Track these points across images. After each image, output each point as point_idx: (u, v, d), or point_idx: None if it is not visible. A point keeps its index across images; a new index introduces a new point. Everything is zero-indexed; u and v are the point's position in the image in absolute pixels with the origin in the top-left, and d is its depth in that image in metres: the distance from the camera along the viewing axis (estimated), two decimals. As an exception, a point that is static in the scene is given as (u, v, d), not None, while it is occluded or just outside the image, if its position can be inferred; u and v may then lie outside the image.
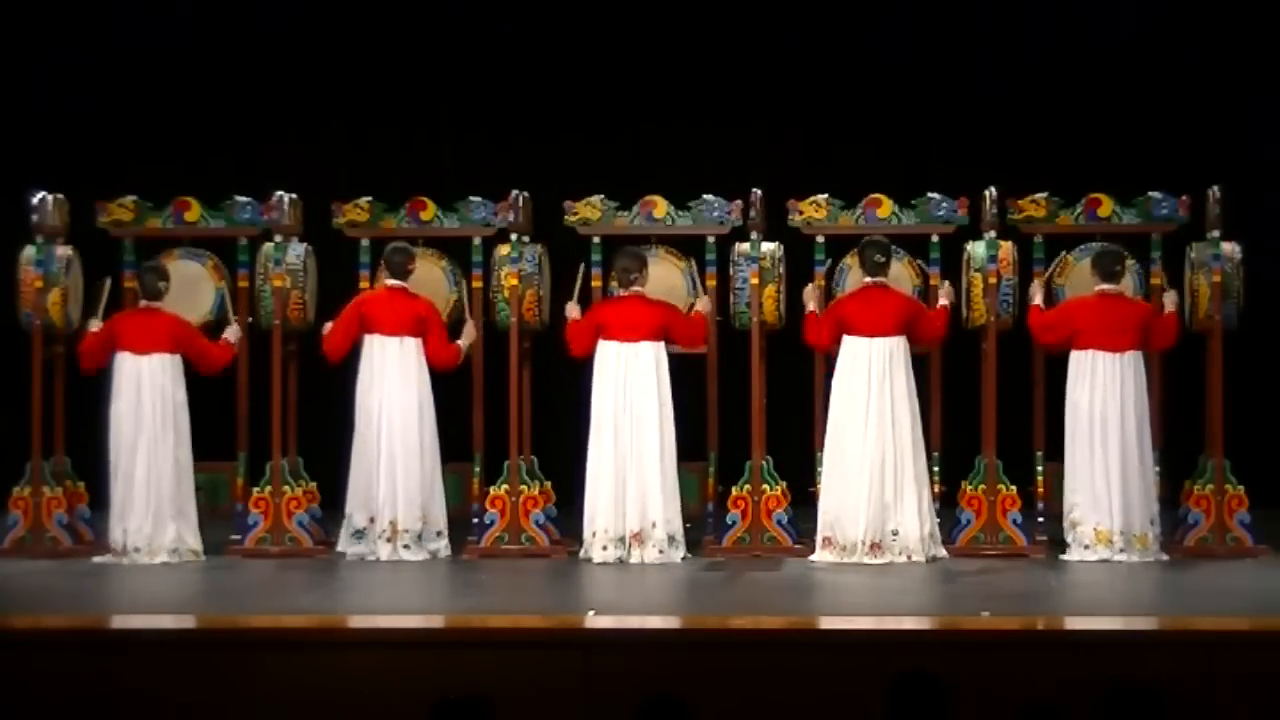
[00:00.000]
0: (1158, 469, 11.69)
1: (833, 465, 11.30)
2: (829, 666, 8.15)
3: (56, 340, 11.76)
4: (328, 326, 11.55)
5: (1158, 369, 11.76)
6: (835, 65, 13.48)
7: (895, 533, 11.19)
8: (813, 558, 11.22)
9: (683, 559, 11.25)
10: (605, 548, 11.19)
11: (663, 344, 11.38)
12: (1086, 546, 11.18)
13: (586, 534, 11.29)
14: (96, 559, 11.31)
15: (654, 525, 11.20)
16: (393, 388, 11.44)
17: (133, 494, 11.26)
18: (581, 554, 11.27)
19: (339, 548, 11.41)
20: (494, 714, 6.20)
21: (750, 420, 11.50)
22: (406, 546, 11.31)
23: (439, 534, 11.44)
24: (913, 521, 11.17)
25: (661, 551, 11.18)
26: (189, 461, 11.41)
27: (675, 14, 13.58)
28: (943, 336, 11.52)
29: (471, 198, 12.03)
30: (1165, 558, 11.19)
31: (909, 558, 11.14)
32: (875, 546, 11.18)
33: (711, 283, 11.87)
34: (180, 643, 8.69)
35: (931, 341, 11.52)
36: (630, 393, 11.31)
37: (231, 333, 11.61)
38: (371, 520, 11.37)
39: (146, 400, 11.31)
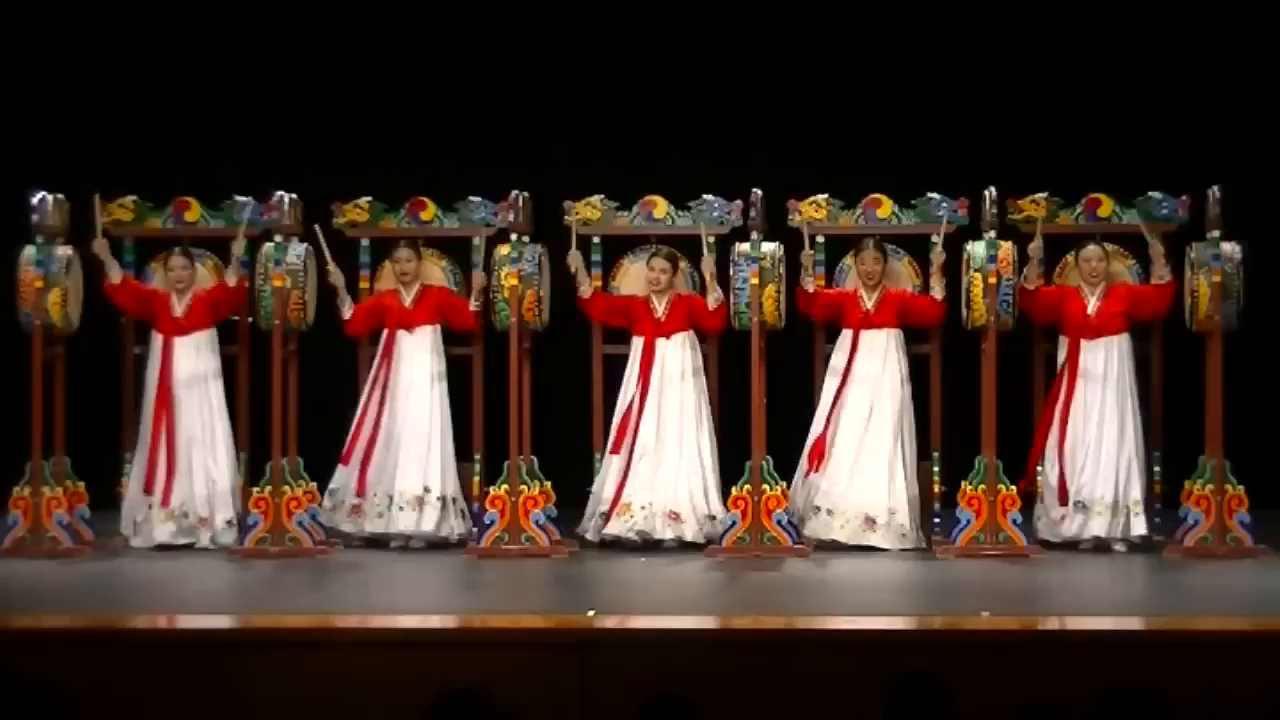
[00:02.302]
0: (1158, 469, 11.77)
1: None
2: (829, 666, 8.15)
3: (56, 340, 11.76)
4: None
5: (1158, 368, 11.79)
6: (835, 65, 13.47)
7: (893, 511, 11.52)
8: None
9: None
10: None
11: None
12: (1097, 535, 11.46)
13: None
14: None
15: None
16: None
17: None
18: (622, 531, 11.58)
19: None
20: (493, 710, 6.20)
21: (750, 420, 11.49)
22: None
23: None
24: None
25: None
26: None
27: (677, 14, 13.58)
28: (940, 317, 11.67)
29: (471, 198, 12.05)
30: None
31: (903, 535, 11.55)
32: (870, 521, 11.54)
33: (711, 283, 11.92)
34: (180, 643, 8.69)
35: (932, 321, 11.72)
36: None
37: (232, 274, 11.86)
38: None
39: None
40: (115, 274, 11.79)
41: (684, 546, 11.58)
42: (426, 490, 11.67)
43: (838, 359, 11.76)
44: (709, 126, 13.44)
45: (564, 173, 12.92)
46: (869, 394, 11.66)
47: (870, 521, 11.55)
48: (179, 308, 11.79)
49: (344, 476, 11.78)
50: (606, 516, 11.63)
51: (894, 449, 11.62)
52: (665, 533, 11.58)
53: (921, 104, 13.45)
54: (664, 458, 11.65)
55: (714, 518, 11.60)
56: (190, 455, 11.69)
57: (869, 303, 11.73)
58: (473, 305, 11.82)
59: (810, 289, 11.70)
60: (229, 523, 11.70)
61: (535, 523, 11.47)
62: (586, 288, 11.81)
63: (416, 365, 11.79)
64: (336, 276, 11.79)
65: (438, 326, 11.85)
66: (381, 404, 11.78)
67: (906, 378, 11.73)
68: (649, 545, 11.56)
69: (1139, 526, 11.43)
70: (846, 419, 11.66)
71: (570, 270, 11.74)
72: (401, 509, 11.66)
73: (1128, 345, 11.62)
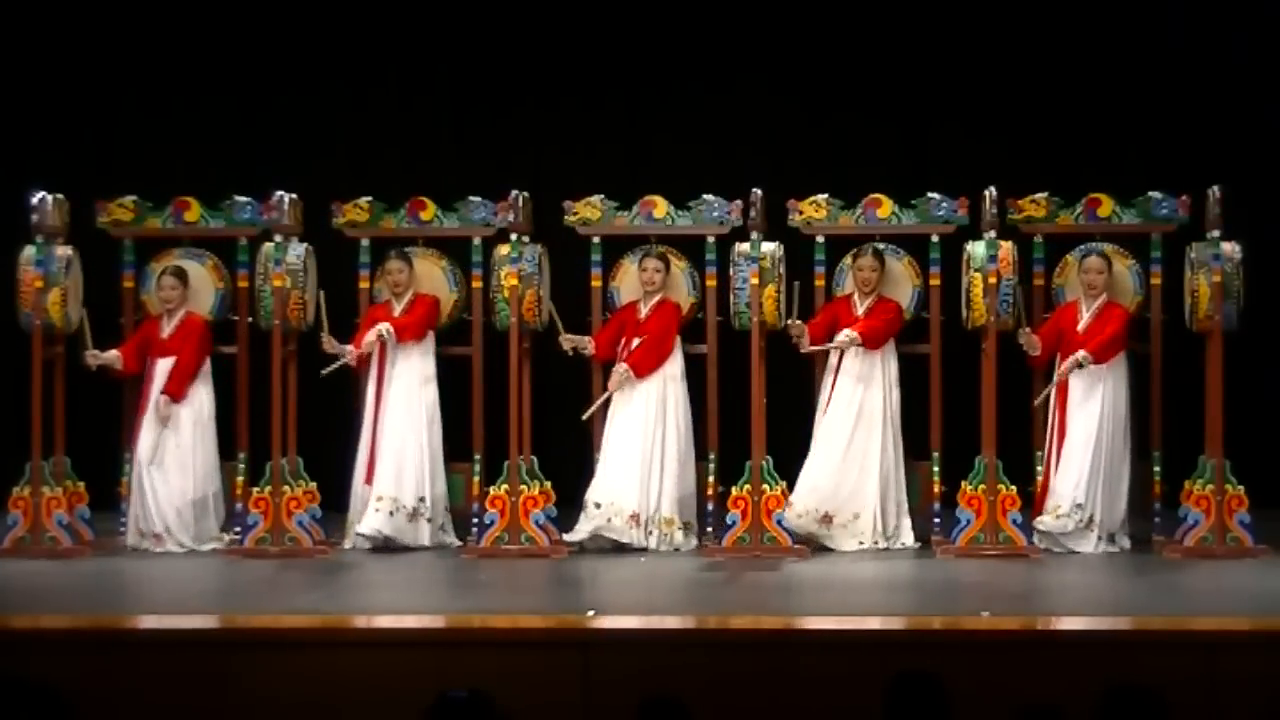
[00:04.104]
0: (1157, 469, 11.76)
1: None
2: (829, 666, 8.14)
3: (56, 340, 11.76)
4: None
5: (1158, 369, 11.78)
6: (836, 65, 13.47)
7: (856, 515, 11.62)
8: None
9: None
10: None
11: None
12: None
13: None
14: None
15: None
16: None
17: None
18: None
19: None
20: (493, 711, 6.20)
21: (750, 420, 11.50)
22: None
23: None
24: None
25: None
26: None
27: (678, 15, 13.58)
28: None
29: (471, 198, 12.06)
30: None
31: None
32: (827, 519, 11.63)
33: (711, 283, 11.92)
34: (180, 643, 8.68)
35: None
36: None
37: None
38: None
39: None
40: (117, 362, 11.78)
41: (645, 550, 11.56)
42: (395, 499, 11.68)
43: (831, 361, 11.77)
44: (709, 126, 13.44)
45: (564, 173, 12.93)
46: (856, 400, 11.65)
47: (855, 518, 11.59)
48: (167, 329, 11.81)
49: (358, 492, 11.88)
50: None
51: (880, 452, 11.62)
52: (625, 536, 11.56)
53: (922, 104, 13.46)
54: (622, 460, 11.64)
55: (662, 523, 11.62)
56: (153, 479, 11.70)
57: (860, 309, 11.75)
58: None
59: (807, 343, 11.69)
60: (214, 540, 11.72)
61: (535, 523, 11.47)
62: (591, 348, 11.82)
63: (403, 376, 11.79)
64: (330, 344, 11.73)
65: (428, 336, 11.85)
66: (376, 417, 11.80)
67: (895, 382, 11.73)
68: (614, 548, 11.54)
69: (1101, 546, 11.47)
70: (831, 425, 11.67)
71: (570, 350, 11.75)
72: (375, 511, 11.67)
73: (1113, 365, 11.58)
